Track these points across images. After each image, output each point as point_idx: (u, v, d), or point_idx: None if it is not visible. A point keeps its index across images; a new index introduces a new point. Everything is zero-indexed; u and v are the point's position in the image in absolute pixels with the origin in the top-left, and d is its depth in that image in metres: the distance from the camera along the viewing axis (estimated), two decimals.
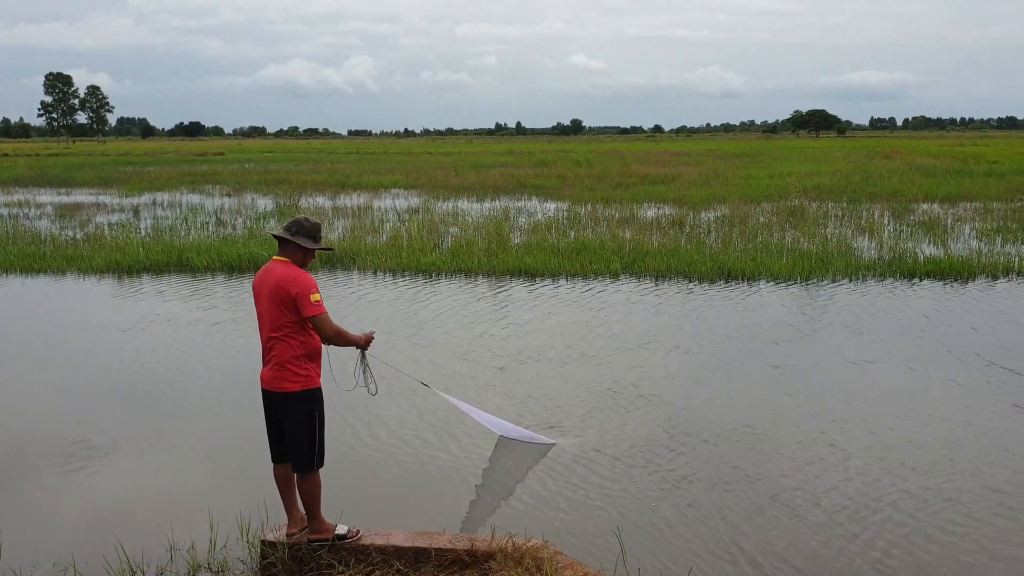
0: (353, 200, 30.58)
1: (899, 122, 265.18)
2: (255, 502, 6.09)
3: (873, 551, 5.67)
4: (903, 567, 5.50)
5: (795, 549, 5.71)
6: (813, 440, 7.60)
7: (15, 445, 7.67)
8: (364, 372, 5.75)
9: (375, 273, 16.12)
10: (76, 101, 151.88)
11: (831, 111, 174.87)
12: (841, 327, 11.68)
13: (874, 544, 5.76)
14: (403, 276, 15.78)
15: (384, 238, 19.69)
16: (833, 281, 14.90)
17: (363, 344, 5.60)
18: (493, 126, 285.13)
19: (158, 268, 16.60)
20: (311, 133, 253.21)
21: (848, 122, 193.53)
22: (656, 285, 14.71)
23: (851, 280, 14.98)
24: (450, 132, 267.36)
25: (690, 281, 14.98)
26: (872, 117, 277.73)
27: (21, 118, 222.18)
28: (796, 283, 14.75)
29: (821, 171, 40.45)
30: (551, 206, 27.58)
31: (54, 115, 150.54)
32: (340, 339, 5.41)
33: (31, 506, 6.49)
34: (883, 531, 5.94)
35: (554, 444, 7.47)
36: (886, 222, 22.42)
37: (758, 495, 6.49)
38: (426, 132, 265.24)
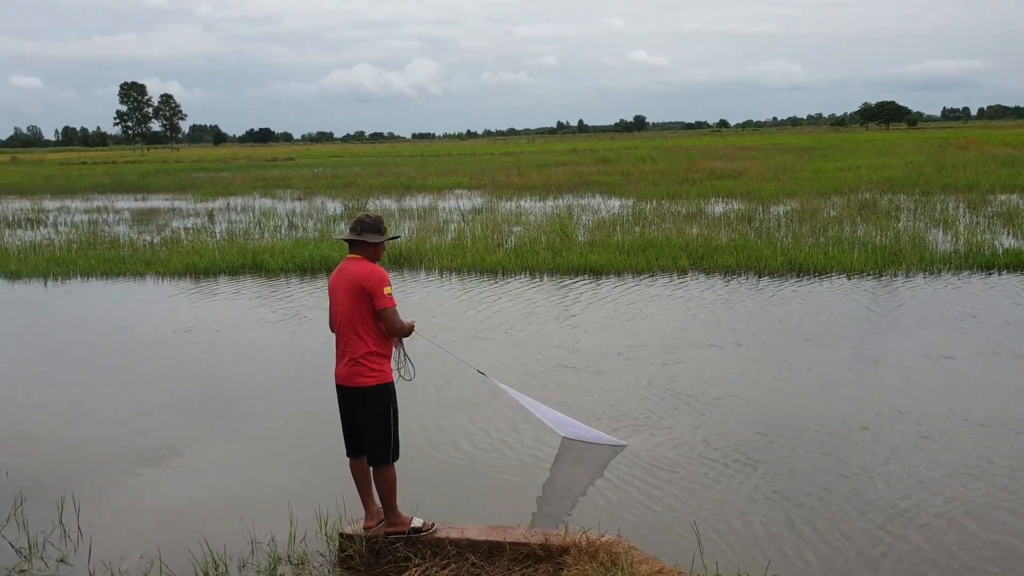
0: (418, 202, 30.89)
1: (973, 111, 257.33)
2: (333, 496, 6.21)
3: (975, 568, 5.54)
4: None
5: (875, 550, 5.61)
6: (895, 441, 7.44)
7: (98, 446, 7.93)
8: (404, 358, 5.81)
9: (440, 273, 16.26)
10: (150, 109, 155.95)
11: (901, 102, 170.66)
12: (917, 322, 11.42)
13: (981, 563, 5.62)
14: (468, 275, 15.89)
15: (449, 238, 19.85)
16: (907, 275, 14.56)
17: (409, 331, 5.65)
18: (555, 125, 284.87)
19: (234, 270, 17.00)
20: (376, 137, 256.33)
21: (919, 113, 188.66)
22: (726, 281, 14.56)
23: (926, 274, 14.61)
24: (512, 132, 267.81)
25: (760, 276, 14.79)
26: (944, 107, 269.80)
27: (98, 127, 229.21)
28: (869, 277, 14.45)
29: (892, 163, 39.54)
30: (615, 203, 27.47)
31: (129, 123, 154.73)
32: (403, 333, 5.53)
33: (116, 503, 6.70)
34: (988, 546, 5.78)
35: (624, 445, 7.38)
36: (961, 214, 21.80)
37: (837, 495, 6.38)
38: (488, 133, 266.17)
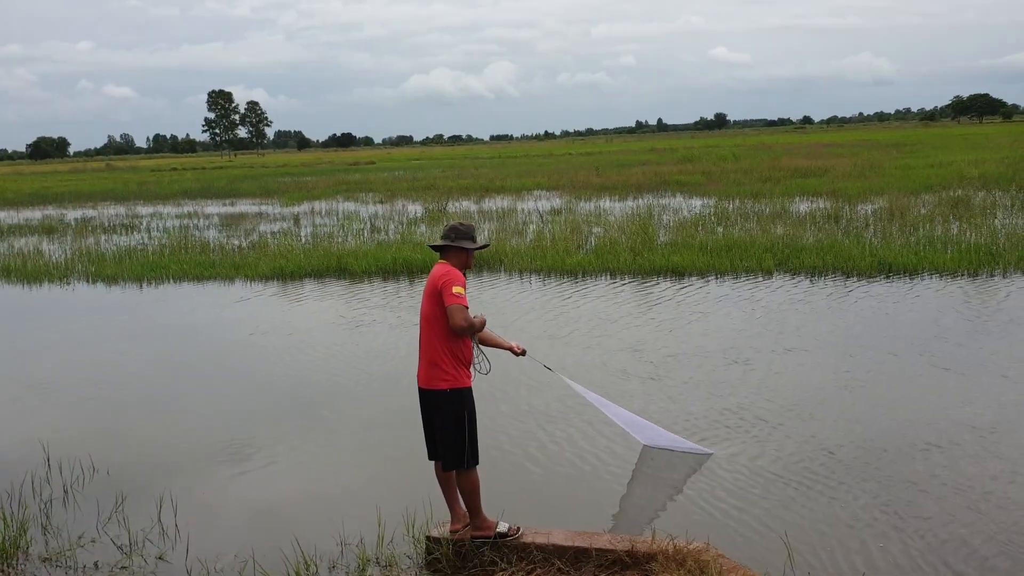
0: (497, 203, 31.02)
1: None
2: (420, 499, 6.27)
3: None
4: None
5: (971, 565, 5.41)
6: (990, 456, 7.17)
7: (193, 445, 8.17)
8: (479, 353, 5.82)
9: (520, 275, 16.29)
10: (237, 116, 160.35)
11: (995, 95, 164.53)
12: (1018, 325, 10.98)
13: None
14: (549, 277, 15.88)
15: (528, 240, 19.88)
16: (1004, 275, 14.02)
17: (479, 327, 5.64)
18: (633, 124, 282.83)
19: (319, 273, 17.33)
20: (455, 140, 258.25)
21: (1015, 106, 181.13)
22: (812, 282, 14.24)
23: None
24: (590, 132, 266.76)
25: (848, 277, 14.42)
26: None
27: (188, 134, 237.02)
28: (963, 277, 13.96)
29: (986, 158, 38.16)
30: (697, 203, 27.14)
31: (216, 130, 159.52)
32: (469, 328, 5.42)
33: (211, 501, 6.90)
34: None
35: (711, 454, 7.21)
36: None
37: (932, 509, 6.18)
38: (566, 134, 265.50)
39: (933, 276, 14.16)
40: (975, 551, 5.49)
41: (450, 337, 5.44)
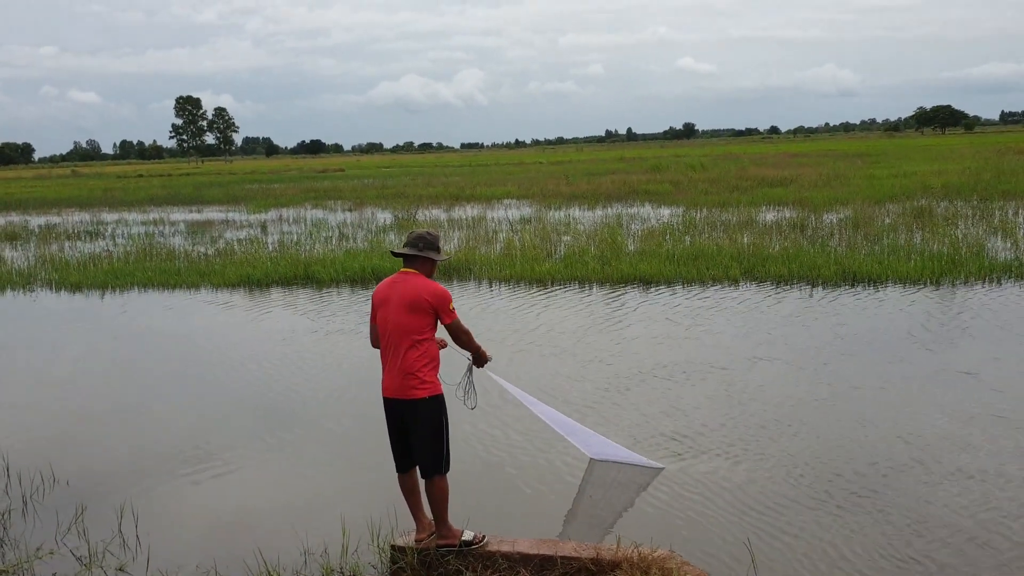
0: (467, 212, 31.01)
1: None
2: (384, 509, 6.24)
3: None
4: None
5: (934, 570, 5.47)
6: (955, 463, 7.27)
7: (154, 455, 8.07)
8: (470, 386, 5.90)
9: (490, 283, 16.29)
10: (204, 123, 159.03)
11: (957, 106, 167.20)
12: (979, 333, 11.15)
13: None
14: (518, 286, 15.89)
15: (498, 248, 19.89)
16: (966, 283, 14.24)
17: (483, 359, 5.84)
18: (603, 133, 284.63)
19: (286, 281, 17.22)
20: (425, 147, 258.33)
21: (976, 117, 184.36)
22: (778, 290, 14.37)
23: (985, 283, 14.28)
24: (560, 141, 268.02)
25: (813, 286, 14.57)
26: (1003, 111, 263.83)
27: (155, 140, 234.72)
28: (926, 286, 14.16)
29: (949, 169, 38.77)
30: (665, 212, 27.31)
31: (184, 136, 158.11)
32: (470, 341, 5.72)
33: (173, 512, 6.81)
34: None
35: (662, 468, 7.08)
36: (1022, 221, 21.29)
37: (896, 515, 6.24)
38: (536, 142, 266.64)
39: (897, 285, 14.34)
40: (937, 558, 5.55)
41: (430, 346, 5.46)
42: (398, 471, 5.69)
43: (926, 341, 10.79)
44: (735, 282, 15.14)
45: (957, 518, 6.05)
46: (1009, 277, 14.56)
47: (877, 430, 7.79)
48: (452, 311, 5.52)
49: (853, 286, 14.40)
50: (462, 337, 5.66)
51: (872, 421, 8.03)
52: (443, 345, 5.69)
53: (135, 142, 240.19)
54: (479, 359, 5.87)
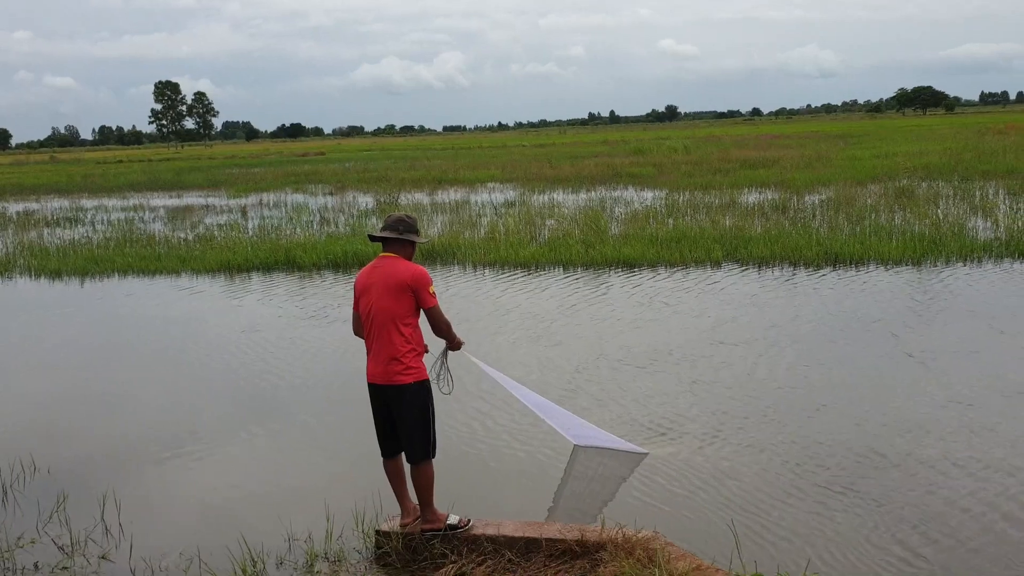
0: (450, 195, 30.92)
1: (1012, 95, 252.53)
2: (369, 493, 6.23)
3: None
4: None
5: (919, 551, 5.51)
6: (939, 442, 7.32)
7: (136, 442, 8.02)
8: (444, 370, 5.88)
9: (474, 268, 16.26)
10: (184, 107, 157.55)
11: (938, 87, 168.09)
12: (962, 313, 11.22)
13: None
14: (502, 270, 15.86)
15: (482, 232, 19.83)
16: (947, 263, 14.33)
17: (457, 345, 5.77)
18: (586, 116, 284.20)
19: (267, 266, 17.12)
20: (407, 130, 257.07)
21: (956, 98, 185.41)
22: (760, 273, 14.41)
23: (966, 262, 14.37)
24: (543, 124, 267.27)
25: (795, 267, 14.62)
26: (983, 92, 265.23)
27: (134, 125, 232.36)
28: (907, 266, 14.24)
29: (930, 150, 38.94)
30: (648, 195, 27.32)
31: (163, 122, 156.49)
32: (448, 331, 5.63)
33: (155, 499, 6.77)
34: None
35: (646, 454, 7.06)
36: (1002, 200, 21.43)
37: (881, 493, 6.28)
38: (519, 125, 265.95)
39: (879, 265, 14.41)
40: (925, 532, 5.59)
41: (414, 331, 5.42)
42: (383, 456, 5.67)
43: (908, 322, 10.85)
44: (718, 264, 15.17)
45: (940, 502, 6.10)
46: (989, 257, 14.66)
47: (863, 414, 7.83)
48: (432, 295, 5.43)
49: (835, 267, 14.45)
50: (442, 327, 5.57)
51: (858, 405, 8.08)
52: (426, 350, 5.59)
53: (114, 127, 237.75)
54: (456, 347, 5.81)
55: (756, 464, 6.80)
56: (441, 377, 5.87)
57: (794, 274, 14.12)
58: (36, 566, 5.70)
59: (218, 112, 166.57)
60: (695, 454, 7.04)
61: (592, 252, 16.27)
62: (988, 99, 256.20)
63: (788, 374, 9.03)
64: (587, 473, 6.87)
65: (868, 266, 14.42)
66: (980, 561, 5.27)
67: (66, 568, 5.67)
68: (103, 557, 5.80)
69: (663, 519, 5.91)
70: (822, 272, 14.13)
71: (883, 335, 10.26)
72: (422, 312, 5.48)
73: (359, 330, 5.59)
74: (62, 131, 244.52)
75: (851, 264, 14.59)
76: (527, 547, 5.37)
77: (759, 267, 14.81)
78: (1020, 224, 16.91)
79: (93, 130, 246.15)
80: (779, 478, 6.54)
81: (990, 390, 8.21)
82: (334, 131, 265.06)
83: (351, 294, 5.85)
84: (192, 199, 35.93)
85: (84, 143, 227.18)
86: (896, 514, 5.86)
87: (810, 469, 6.66)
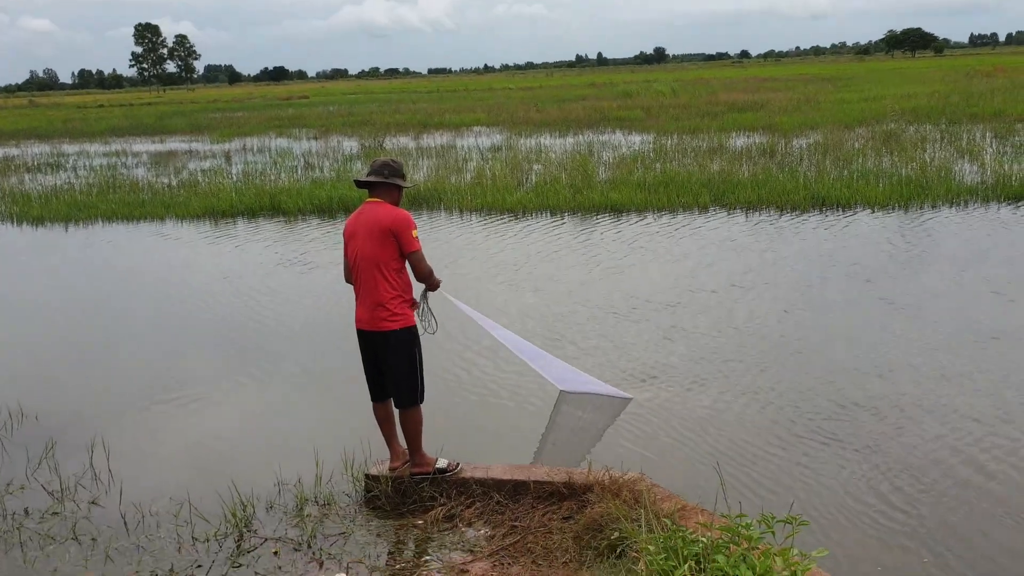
0: (436, 140, 30.64)
1: (1001, 37, 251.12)
2: (358, 438, 6.26)
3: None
4: None
5: (902, 493, 5.60)
6: (925, 385, 7.40)
7: (125, 389, 8.03)
8: (427, 311, 5.82)
9: (461, 213, 16.18)
10: (165, 51, 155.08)
11: (927, 29, 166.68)
12: (948, 256, 11.27)
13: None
14: (489, 216, 15.80)
15: (468, 177, 19.69)
16: (933, 207, 14.35)
17: (435, 284, 5.70)
18: (573, 58, 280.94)
19: (252, 212, 17.00)
20: (392, 73, 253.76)
21: (945, 40, 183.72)
22: (747, 217, 14.41)
23: (952, 205, 14.40)
24: (530, 66, 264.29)
25: (783, 212, 14.62)
26: (972, 34, 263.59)
27: (114, 69, 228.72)
28: (894, 210, 14.26)
29: (918, 92, 38.74)
30: (636, 139, 27.14)
31: (144, 65, 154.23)
32: (430, 277, 5.58)
33: (145, 446, 6.79)
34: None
35: (631, 399, 7.11)
36: (988, 144, 21.41)
37: (866, 435, 6.37)
38: (505, 67, 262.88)
39: (866, 209, 14.43)
40: (913, 474, 5.68)
41: (400, 277, 5.39)
42: (372, 400, 5.69)
43: (897, 266, 10.90)
44: (705, 209, 15.14)
45: (928, 445, 6.18)
46: (975, 200, 14.69)
47: (849, 355, 7.90)
48: (415, 239, 5.36)
49: (822, 211, 14.46)
50: (424, 273, 5.50)
51: (843, 347, 8.15)
52: (414, 304, 5.56)
53: (94, 71, 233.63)
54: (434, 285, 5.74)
55: (742, 408, 6.87)
56: (424, 318, 5.82)
57: (781, 218, 14.11)
58: (27, 511, 5.72)
59: (200, 55, 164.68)
60: (681, 399, 7.10)
61: (580, 197, 16.19)
62: (977, 41, 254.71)
63: (764, 320, 9.07)
64: (572, 419, 6.92)
65: (855, 210, 14.43)
66: (947, 507, 5.37)
67: (56, 513, 5.70)
68: (93, 502, 5.83)
69: (649, 462, 5.98)
70: (806, 216, 14.13)
71: (876, 278, 10.31)
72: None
73: (349, 277, 5.57)
74: (40, 75, 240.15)
75: (838, 208, 14.59)
76: (515, 490, 5.42)
77: (746, 212, 14.80)
78: (1006, 167, 16.91)
79: (72, 74, 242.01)
80: (766, 423, 6.61)
81: (977, 335, 8.29)
82: (318, 74, 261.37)
83: (337, 240, 5.81)
84: (175, 144, 35.49)
85: (64, 87, 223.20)
86: (889, 459, 5.95)
87: (796, 415, 6.73)
